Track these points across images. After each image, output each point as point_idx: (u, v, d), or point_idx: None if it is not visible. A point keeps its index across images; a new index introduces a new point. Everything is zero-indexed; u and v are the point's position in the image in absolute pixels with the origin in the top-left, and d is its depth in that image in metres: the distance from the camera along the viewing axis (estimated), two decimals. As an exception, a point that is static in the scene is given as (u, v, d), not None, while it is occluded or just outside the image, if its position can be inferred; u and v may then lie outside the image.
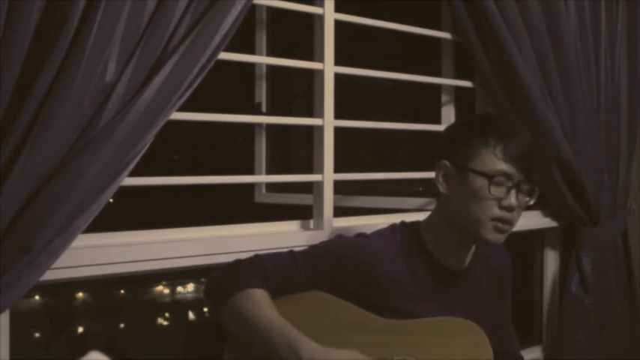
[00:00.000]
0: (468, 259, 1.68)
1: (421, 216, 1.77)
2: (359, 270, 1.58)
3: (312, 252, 1.63)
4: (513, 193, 1.55)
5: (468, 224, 1.57)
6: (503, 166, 1.54)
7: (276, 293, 1.57)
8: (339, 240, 1.67)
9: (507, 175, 1.54)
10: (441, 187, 1.61)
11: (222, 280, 1.59)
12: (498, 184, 1.54)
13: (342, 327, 1.56)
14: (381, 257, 1.59)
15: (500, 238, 1.59)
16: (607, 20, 2.49)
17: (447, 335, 1.55)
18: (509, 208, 1.55)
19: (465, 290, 1.67)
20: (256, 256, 1.62)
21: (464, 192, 1.57)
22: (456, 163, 1.58)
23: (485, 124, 1.60)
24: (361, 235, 1.67)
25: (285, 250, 1.65)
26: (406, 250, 1.62)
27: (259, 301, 1.54)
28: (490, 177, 1.53)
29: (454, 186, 1.59)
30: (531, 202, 1.60)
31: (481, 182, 1.54)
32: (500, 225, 1.56)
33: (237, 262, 1.62)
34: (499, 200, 1.54)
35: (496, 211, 1.55)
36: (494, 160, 1.54)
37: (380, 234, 1.66)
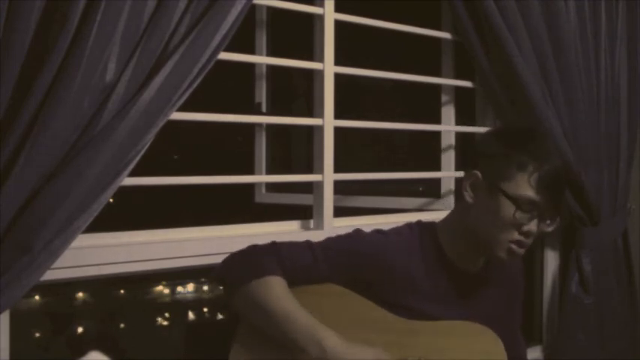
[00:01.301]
0: (482, 263, 1.68)
1: (421, 216, 1.77)
2: (376, 267, 1.57)
3: (330, 245, 1.61)
4: (536, 221, 1.54)
5: (483, 239, 1.57)
6: (534, 195, 1.52)
7: (291, 283, 1.55)
8: (358, 236, 1.65)
9: (536, 205, 1.53)
10: (467, 196, 1.59)
11: (238, 264, 1.56)
12: (525, 212, 1.53)
13: (357, 323, 1.54)
14: (400, 255, 1.59)
15: (512, 258, 1.59)
16: (607, 20, 2.49)
17: (463, 339, 1.54)
18: (528, 235, 1.55)
19: (478, 294, 1.66)
20: (273, 243, 1.59)
21: (488, 208, 1.55)
22: (488, 177, 1.56)
23: (526, 146, 1.56)
24: (379, 232, 1.65)
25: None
26: (424, 250, 1.62)
27: (278, 289, 1.51)
28: (519, 204, 1.52)
29: (479, 198, 1.57)
30: (550, 230, 1.59)
31: (508, 206, 1.52)
32: (514, 247, 1.56)
33: (254, 247, 1.59)
34: (520, 226, 1.54)
35: (515, 235, 1.55)
36: (527, 187, 1.52)
37: (398, 232, 1.65)
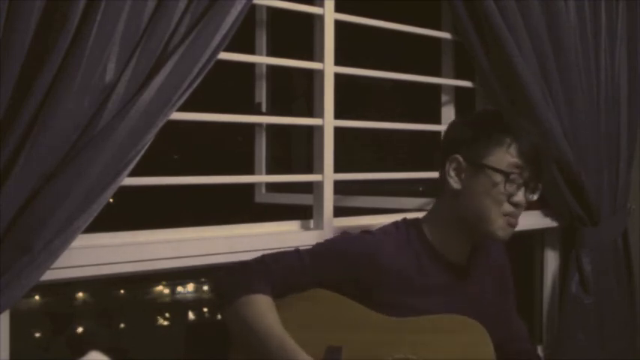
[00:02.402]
0: (468, 253, 1.70)
1: (420, 216, 1.77)
2: (369, 266, 1.59)
3: (319, 251, 1.64)
4: (522, 190, 1.59)
5: (477, 220, 1.60)
6: (516, 164, 1.58)
7: (282, 295, 1.59)
8: (346, 238, 1.67)
9: (520, 173, 1.58)
10: (452, 182, 1.62)
11: (229, 281, 1.60)
12: (512, 182, 1.58)
13: (343, 325, 1.56)
14: (389, 253, 1.60)
15: (508, 234, 1.62)
16: (607, 20, 2.49)
17: (448, 333, 1.55)
18: (518, 204, 1.59)
19: (469, 284, 1.68)
20: (263, 257, 1.63)
21: (476, 188, 1.59)
22: (469, 159, 1.60)
23: (498, 122, 1.64)
24: (366, 232, 1.67)
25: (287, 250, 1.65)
26: (412, 245, 1.64)
27: (261, 308, 1.55)
28: (507, 174, 1.57)
29: (465, 181, 1.61)
30: (534, 198, 1.64)
31: (497, 179, 1.58)
32: (510, 220, 1.60)
33: (244, 263, 1.63)
34: (510, 196, 1.58)
35: (507, 207, 1.59)
36: (509, 158, 1.58)
37: (384, 231, 1.67)
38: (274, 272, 1.58)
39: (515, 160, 1.58)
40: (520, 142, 1.59)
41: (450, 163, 1.63)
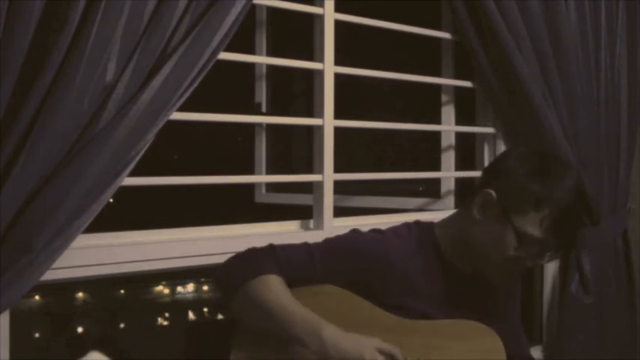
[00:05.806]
0: None
1: (421, 216, 1.77)
2: (376, 266, 1.57)
3: (328, 246, 1.61)
4: (533, 257, 1.55)
5: (479, 254, 1.58)
6: (541, 237, 1.51)
7: (289, 285, 1.55)
8: (356, 235, 1.65)
9: (540, 245, 1.53)
10: (475, 211, 1.57)
11: (236, 266, 1.57)
12: (526, 247, 1.53)
13: (355, 323, 1.54)
14: (399, 255, 1.59)
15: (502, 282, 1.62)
16: (607, 20, 2.49)
17: (461, 338, 1.54)
18: (523, 267, 1.57)
19: (475, 293, 1.66)
20: (270, 245, 1.60)
21: (492, 232, 1.55)
22: (502, 202, 1.54)
23: (547, 181, 1.53)
24: (377, 232, 1.65)
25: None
26: (422, 250, 1.62)
27: (275, 286, 1.51)
28: (524, 242, 1.52)
29: (487, 219, 1.56)
30: (545, 262, 1.62)
31: (512, 239, 1.53)
32: (506, 274, 1.58)
33: (251, 249, 1.60)
34: (517, 258, 1.54)
35: (509, 265, 1.56)
36: (537, 228, 1.51)
37: (396, 232, 1.65)
38: (282, 261, 1.56)
39: (541, 232, 1.50)
40: (557, 217, 1.50)
41: (481, 195, 1.57)
